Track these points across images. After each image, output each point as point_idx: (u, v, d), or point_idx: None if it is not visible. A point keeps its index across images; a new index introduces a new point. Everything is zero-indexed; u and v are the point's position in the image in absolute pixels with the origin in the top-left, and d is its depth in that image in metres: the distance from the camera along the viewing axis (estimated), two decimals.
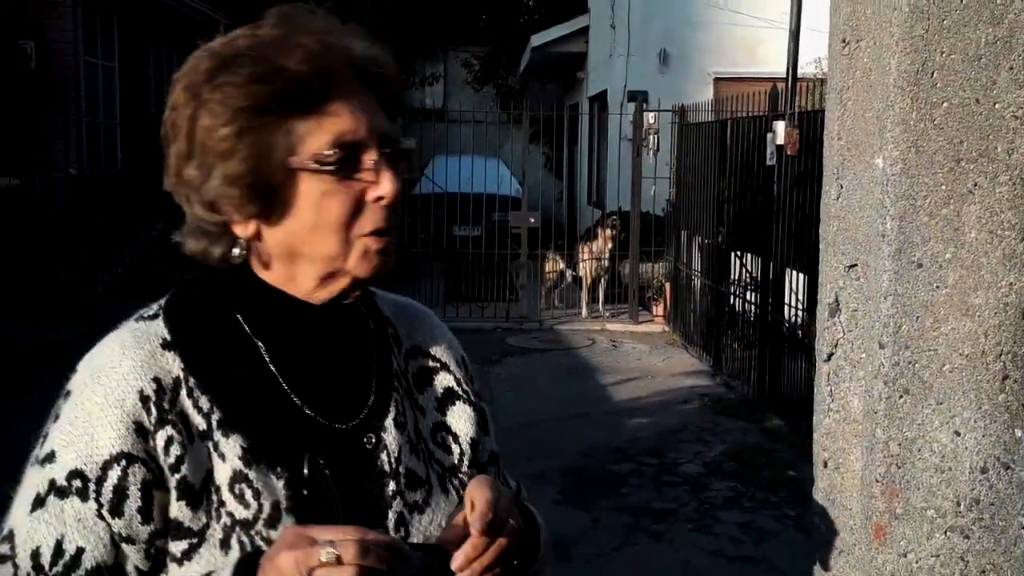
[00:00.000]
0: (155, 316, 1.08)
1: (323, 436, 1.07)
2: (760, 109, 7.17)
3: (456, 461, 1.16)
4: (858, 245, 1.37)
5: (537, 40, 14.14)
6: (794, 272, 6.75)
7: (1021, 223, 1.26)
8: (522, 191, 11.02)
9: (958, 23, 1.22)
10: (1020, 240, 1.26)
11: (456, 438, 1.18)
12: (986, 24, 1.21)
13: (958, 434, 1.27)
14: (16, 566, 0.98)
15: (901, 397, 1.27)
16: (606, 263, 10.11)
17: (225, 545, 1.00)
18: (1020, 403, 1.27)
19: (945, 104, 1.24)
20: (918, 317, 1.27)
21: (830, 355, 1.43)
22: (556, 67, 16.11)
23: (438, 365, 1.21)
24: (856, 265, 1.38)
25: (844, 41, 1.40)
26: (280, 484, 1.03)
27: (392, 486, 1.08)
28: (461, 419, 1.19)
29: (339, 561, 0.88)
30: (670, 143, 9.78)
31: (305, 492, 1.04)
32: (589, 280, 10.18)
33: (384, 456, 1.09)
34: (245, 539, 1.01)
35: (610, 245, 10.02)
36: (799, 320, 6.82)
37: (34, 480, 1.00)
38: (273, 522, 1.01)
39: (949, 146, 1.25)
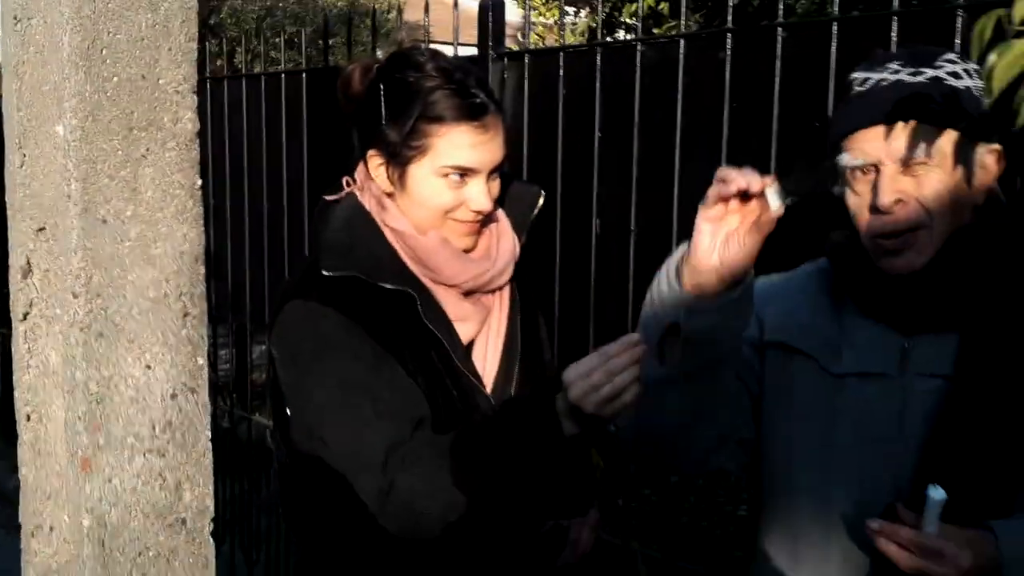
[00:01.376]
0: None
1: None
2: None
3: None
4: (45, 209, 1.46)
5: None
6: None
7: (189, 183, 1.48)
8: None
9: (121, 7, 1.39)
10: (189, 197, 1.48)
11: None
12: (146, 10, 1.40)
13: (149, 367, 1.45)
14: None
15: (96, 340, 1.41)
16: None
17: None
18: (200, 335, 1.50)
19: (115, 79, 1.40)
20: (107, 268, 1.41)
21: (25, 314, 1.50)
22: None
23: None
24: (44, 228, 1.47)
25: (16, 19, 1.48)
26: None
27: None
28: None
29: None
30: None
31: None
32: None
33: None
34: None
35: None
36: None
37: None
38: None
39: (122, 116, 1.41)
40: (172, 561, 1.48)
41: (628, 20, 5.76)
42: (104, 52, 1.40)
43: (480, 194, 1.73)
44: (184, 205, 1.48)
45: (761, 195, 1.38)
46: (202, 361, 1.52)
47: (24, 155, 1.49)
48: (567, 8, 6.13)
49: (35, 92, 1.46)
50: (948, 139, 1.49)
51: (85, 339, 1.42)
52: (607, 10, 5.63)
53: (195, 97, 1.49)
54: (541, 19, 6.30)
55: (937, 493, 1.39)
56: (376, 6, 11.01)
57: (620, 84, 2.86)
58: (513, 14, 6.63)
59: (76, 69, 1.38)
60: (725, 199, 1.39)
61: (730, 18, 2.59)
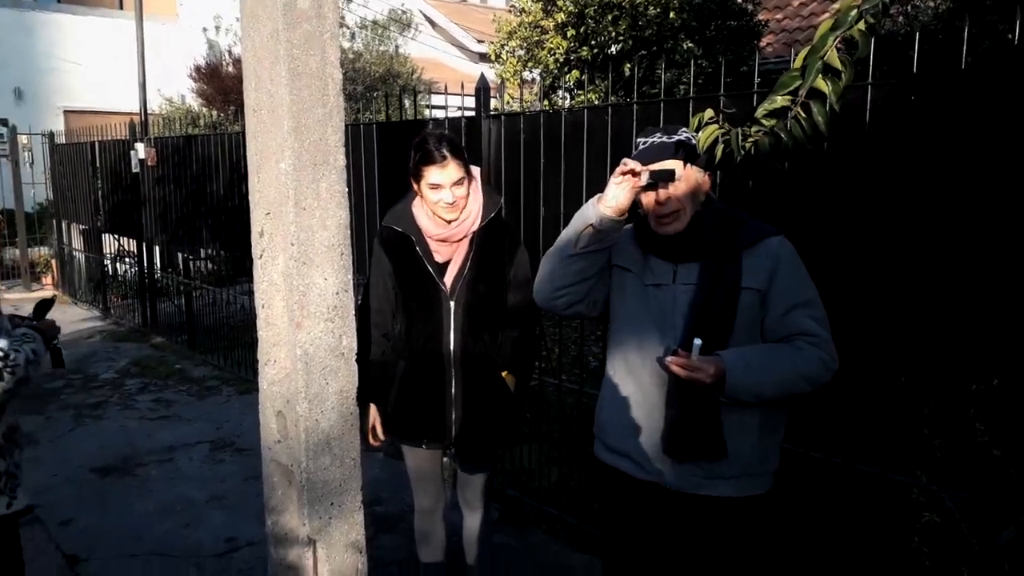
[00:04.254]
0: None
1: None
2: (121, 135, 6.92)
3: None
4: (270, 203, 1.82)
5: None
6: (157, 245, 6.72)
7: (342, 189, 1.82)
8: None
9: (311, 105, 1.79)
10: (342, 197, 1.83)
11: None
12: (322, 105, 1.78)
13: (326, 279, 1.82)
14: None
15: (300, 266, 1.84)
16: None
17: None
18: (348, 263, 1.86)
19: (308, 141, 1.76)
20: (305, 230, 1.85)
21: (261, 255, 1.94)
22: None
23: None
24: (270, 213, 1.88)
25: (254, 110, 1.86)
26: None
27: None
28: None
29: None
30: (43, 158, 8.70)
31: None
32: None
33: None
34: None
35: None
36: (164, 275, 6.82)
37: None
38: None
39: (311, 158, 1.77)
40: (336, 372, 1.86)
41: (564, 83, 5.97)
42: (302, 127, 1.77)
43: (446, 195, 2.31)
44: (340, 201, 1.84)
45: (638, 175, 1.77)
46: (350, 277, 1.95)
47: (259, 177, 1.92)
48: (529, 71, 6.35)
49: (265, 147, 1.85)
50: (689, 168, 1.81)
51: (296, 265, 1.78)
52: (550, 80, 5.94)
53: (343, 148, 1.93)
54: (513, 77, 6.43)
55: (697, 340, 1.72)
56: (402, 71, 11.26)
57: (554, 133, 3.11)
58: (490, 73, 6.78)
59: (290, 135, 1.78)
60: (625, 173, 1.76)
61: (611, 98, 2.98)
